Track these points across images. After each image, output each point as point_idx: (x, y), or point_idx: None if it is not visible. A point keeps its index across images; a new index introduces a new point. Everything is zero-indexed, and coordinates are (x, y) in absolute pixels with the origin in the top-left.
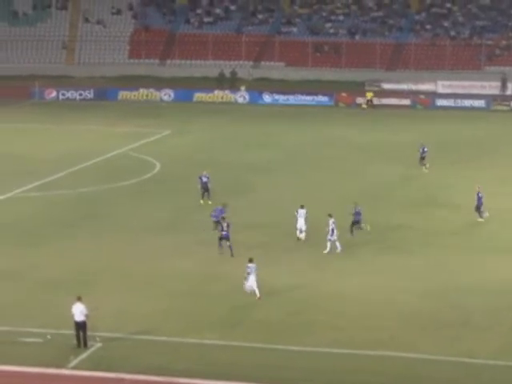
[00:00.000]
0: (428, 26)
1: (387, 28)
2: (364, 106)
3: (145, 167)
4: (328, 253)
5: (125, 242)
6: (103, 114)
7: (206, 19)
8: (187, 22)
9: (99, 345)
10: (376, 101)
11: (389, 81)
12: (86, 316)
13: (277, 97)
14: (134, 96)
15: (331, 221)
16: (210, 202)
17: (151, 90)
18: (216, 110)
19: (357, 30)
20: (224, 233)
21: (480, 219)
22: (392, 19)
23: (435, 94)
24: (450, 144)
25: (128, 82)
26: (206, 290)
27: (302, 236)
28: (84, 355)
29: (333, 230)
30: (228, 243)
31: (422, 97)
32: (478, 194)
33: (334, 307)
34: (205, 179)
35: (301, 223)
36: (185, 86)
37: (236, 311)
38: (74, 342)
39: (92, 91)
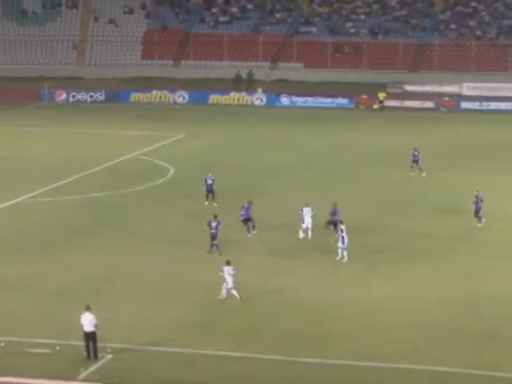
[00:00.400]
0: (453, 26)
1: (410, 28)
2: (375, 106)
3: (158, 172)
4: (345, 261)
5: (137, 250)
6: (115, 116)
7: (221, 18)
8: (202, 21)
9: (110, 356)
10: (398, 103)
11: (412, 83)
12: (96, 326)
13: (295, 99)
14: (147, 98)
15: (342, 227)
16: (215, 205)
17: (165, 91)
18: (232, 113)
19: (379, 29)
20: (213, 231)
21: (478, 225)
22: (415, 18)
23: (460, 97)
24: (474, 148)
25: (140, 83)
26: (222, 300)
27: (304, 236)
28: (94, 367)
29: (343, 238)
30: (214, 242)
31: (446, 99)
32: (476, 198)
33: (354, 318)
34: (210, 181)
35: (308, 222)
36: (199, 88)
37: (252, 321)
38: (84, 353)
39: (103, 93)
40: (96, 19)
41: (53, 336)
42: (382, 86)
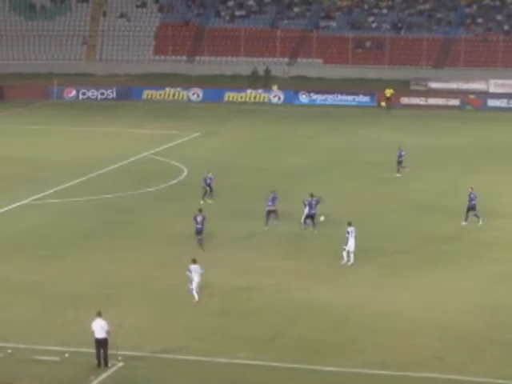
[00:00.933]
0: (479, 20)
1: (435, 22)
2: (382, 103)
3: (171, 172)
4: (351, 264)
5: (149, 253)
6: (126, 115)
7: (237, 12)
8: (217, 15)
9: (121, 364)
10: (422, 101)
11: (436, 79)
12: (108, 333)
13: (314, 97)
14: (160, 96)
15: (349, 229)
16: (209, 202)
17: (178, 89)
18: (248, 111)
19: (402, 24)
20: (198, 226)
21: (479, 223)
22: (440, 12)
23: (487, 94)
24: (502, 149)
25: (153, 80)
26: (238, 304)
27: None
28: (104, 375)
29: (347, 240)
30: (199, 237)
31: (473, 97)
32: (470, 196)
33: (375, 324)
34: (208, 181)
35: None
36: (214, 85)
37: (269, 328)
38: (94, 360)
39: (114, 90)
40: (107, 13)
41: (61, 343)
42: (405, 83)
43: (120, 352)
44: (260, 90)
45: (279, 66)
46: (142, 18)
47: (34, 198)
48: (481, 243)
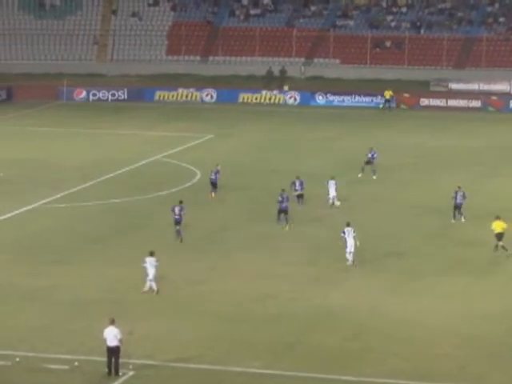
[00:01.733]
0: (502, 19)
1: (456, 21)
2: (380, 106)
3: (184, 175)
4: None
5: (162, 259)
6: (138, 116)
7: (252, 11)
8: (232, 14)
9: (132, 373)
10: (442, 102)
11: (457, 80)
12: (120, 341)
13: (331, 98)
14: (173, 97)
15: (346, 230)
16: (213, 195)
17: (191, 89)
18: (263, 113)
19: (421, 23)
20: (176, 217)
21: (452, 221)
22: (461, 11)
23: (509, 95)
24: None
25: (166, 81)
26: (253, 312)
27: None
28: None
29: (346, 241)
30: (177, 227)
31: (495, 98)
32: (456, 194)
33: (395, 333)
34: (213, 175)
35: (332, 193)
36: (229, 86)
37: (285, 336)
38: (105, 369)
39: (126, 91)
40: (118, 12)
41: (71, 351)
42: (425, 84)
43: (131, 361)
44: (275, 91)
45: (295, 66)
46: (154, 16)
47: (42, 202)
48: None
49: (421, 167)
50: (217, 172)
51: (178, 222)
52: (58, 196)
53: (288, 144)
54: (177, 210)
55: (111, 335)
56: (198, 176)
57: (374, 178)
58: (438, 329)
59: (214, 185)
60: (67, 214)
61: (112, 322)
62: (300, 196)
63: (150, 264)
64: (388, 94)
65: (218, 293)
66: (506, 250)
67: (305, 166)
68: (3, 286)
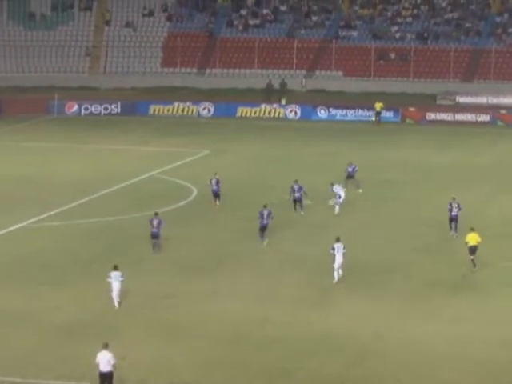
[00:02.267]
0: (511, 30)
1: (463, 32)
2: (373, 119)
3: (180, 193)
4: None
5: (157, 280)
6: (132, 131)
7: (251, 21)
8: (230, 24)
9: None
10: (449, 117)
11: (465, 93)
12: (114, 366)
13: (333, 112)
14: (168, 111)
15: (336, 245)
16: (217, 204)
17: (188, 103)
18: (263, 127)
19: (428, 34)
20: (154, 230)
21: (451, 233)
22: (469, 21)
23: None
24: None
25: (161, 94)
26: (252, 335)
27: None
28: None
29: (334, 256)
30: (154, 241)
31: (504, 112)
32: (451, 205)
33: (399, 357)
34: (214, 185)
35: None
36: (226, 99)
37: (285, 360)
38: None
39: (119, 105)
40: (111, 22)
41: (61, 376)
42: (432, 98)
43: None
44: (275, 105)
45: (296, 78)
46: (148, 27)
47: (33, 220)
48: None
49: (426, 184)
50: (217, 181)
51: (155, 236)
52: (51, 213)
53: (288, 160)
54: (155, 222)
55: (104, 360)
56: (195, 193)
57: (360, 191)
58: (444, 354)
59: (216, 195)
60: (60, 233)
61: (105, 347)
62: (298, 201)
63: (115, 278)
64: (379, 106)
65: (214, 315)
66: (474, 266)
67: (303, 181)
68: None
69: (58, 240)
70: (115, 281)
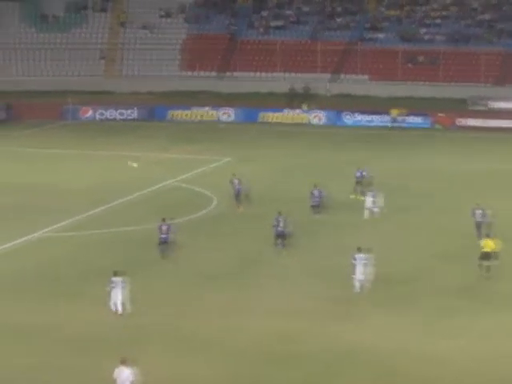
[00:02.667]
0: None
1: (495, 34)
2: (389, 125)
3: (199, 202)
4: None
5: (177, 293)
6: (149, 137)
7: (273, 23)
8: (251, 26)
9: None
10: (480, 122)
11: (497, 98)
12: (133, 383)
13: (359, 117)
14: (187, 116)
15: (357, 256)
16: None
17: (207, 108)
18: (285, 133)
19: (458, 36)
20: (163, 236)
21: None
22: (501, 23)
23: None
24: None
25: (179, 98)
26: (272, 351)
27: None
28: None
29: (355, 267)
30: (161, 247)
31: None
32: (474, 212)
33: (426, 374)
34: (237, 186)
35: (369, 202)
36: (247, 104)
37: (311, 378)
38: None
39: (136, 110)
40: (127, 24)
41: None
42: (462, 103)
43: None
44: (298, 110)
45: (320, 82)
46: (166, 29)
47: (47, 229)
48: None
49: (453, 192)
50: (239, 183)
51: (163, 242)
52: (64, 223)
53: (312, 168)
54: (164, 228)
55: (123, 377)
56: (215, 202)
57: (363, 198)
58: (473, 371)
59: (239, 196)
60: (73, 243)
61: (123, 362)
62: (316, 206)
63: (117, 285)
64: (395, 112)
65: (235, 328)
66: (487, 272)
67: (328, 190)
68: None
69: (71, 251)
70: (117, 287)
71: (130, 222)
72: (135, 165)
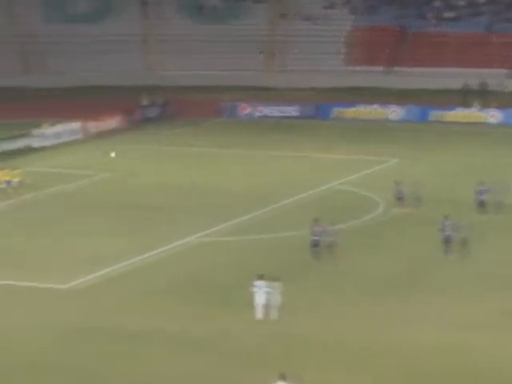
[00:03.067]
0: None
1: None
2: None
3: (364, 206)
4: None
5: (338, 299)
6: (311, 136)
7: (446, 14)
8: (421, 17)
9: None
10: None
11: None
12: None
13: None
14: (353, 113)
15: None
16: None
17: (374, 105)
18: (459, 133)
19: None
20: (315, 238)
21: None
22: None
23: None
24: None
25: (344, 95)
26: (445, 367)
27: None
28: None
29: None
30: (315, 249)
31: None
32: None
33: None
34: (399, 188)
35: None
36: (417, 101)
37: None
38: None
39: (297, 107)
40: (288, 16)
41: None
42: None
43: None
44: (473, 108)
45: (496, 78)
46: (330, 21)
47: (202, 233)
48: None
49: None
50: (400, 184)
51: (315, 245)
52: (222, 227)
53: (490, 171)
54: (316, 230)
55: None
56: (381, 207)
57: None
58: None
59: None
60: (233, 248)
61: (282, 377)
62: (483, 205)
63: (260, 288)
64: None
65: (398, 343)
66: None
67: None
68: (160, 332)
69: (231, 257)
70: (260, 291)
71: (292, 226)
72: (113, 154)
